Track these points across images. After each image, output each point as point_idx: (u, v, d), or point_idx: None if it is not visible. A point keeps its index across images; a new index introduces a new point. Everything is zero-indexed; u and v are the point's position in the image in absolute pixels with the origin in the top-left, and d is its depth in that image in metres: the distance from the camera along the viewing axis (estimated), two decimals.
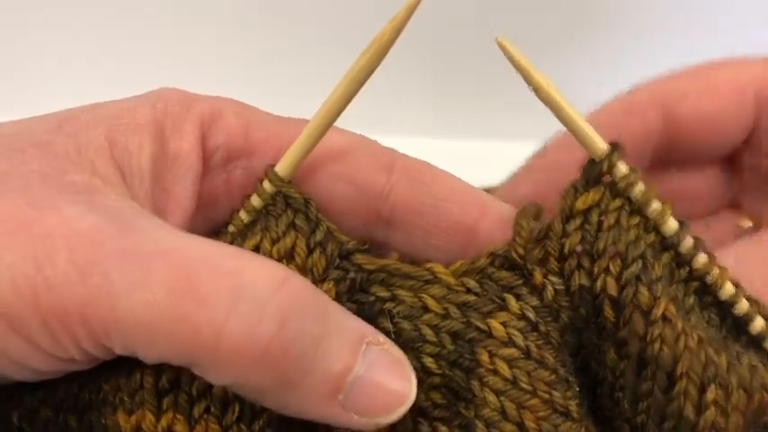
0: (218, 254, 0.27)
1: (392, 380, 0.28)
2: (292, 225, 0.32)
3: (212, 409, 0.29)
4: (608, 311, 0.30)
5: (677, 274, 0.32)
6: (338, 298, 0.31)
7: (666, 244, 0.31)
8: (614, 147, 0.31)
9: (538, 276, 0.31)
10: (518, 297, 0.31)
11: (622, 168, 0.31)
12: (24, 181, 0.28)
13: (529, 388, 0.29)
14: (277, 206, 0.32)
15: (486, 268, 0.31)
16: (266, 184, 0.33)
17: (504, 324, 0.30)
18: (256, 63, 0.80)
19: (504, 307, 0.31)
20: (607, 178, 0.32)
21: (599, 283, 0.30)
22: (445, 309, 0.30)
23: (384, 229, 0.35)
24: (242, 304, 0.25)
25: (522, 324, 0.30)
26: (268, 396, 0.27)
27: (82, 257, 0.26)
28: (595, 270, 0.31)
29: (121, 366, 0.29)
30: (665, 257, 0.31)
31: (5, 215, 0.26)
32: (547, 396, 0.29)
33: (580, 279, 0.31)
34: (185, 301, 0.25)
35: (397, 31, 0.30)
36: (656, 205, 0.31)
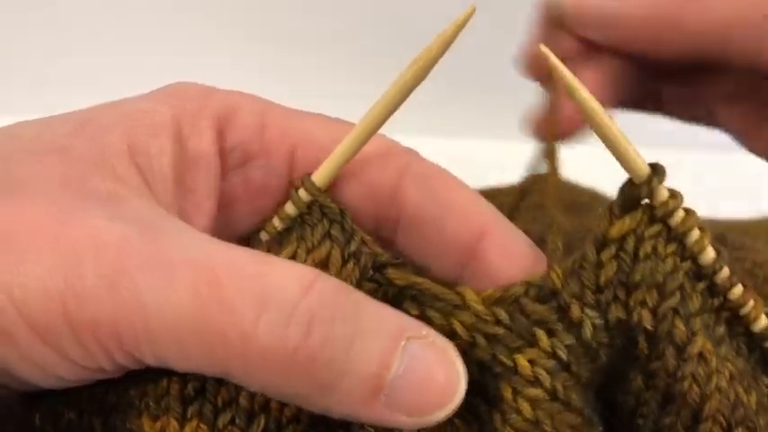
0: (244, 258, 0.27)
1: (438, 373, 0.27)
2: (328, 235, 0.32)
3: (237, 420, 0.29)
4: (642, 344, 0.30)
5: (710, 303, 0.31)
6: None
7: (702, 273, 0.30)
8: (656, 169, 0.30)
9: (575, 311, 0.29)
10: (551, 333, 0.29)
11: (663, 193, 0.30)
12: (48, 188, 0.27)
13: (551, 431, 0.28)
14: (313, 215, 0.32)
15: (520, 298, 0.30)
16: (302, 193, 0.33)
17: (531, 362, 0.29)
18: (271, 56, 0.80)
19: (533, 343, 0.29)
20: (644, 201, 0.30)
21: (635, 316, 0.30)
22: (473, 337, 0.29)
23: (391, 231, 0.34)
24: (269, 310, 0.25)
25: (551, 363, 0.29)
26: (307, 401, 0.27)
27: (110, 269, 0.25)
28: (631, 303, 0.30)
29: (148, 371, 0.29)
30: (700, 286, 0.31)
31: (32, 225, 0.26)
32: None
33: (617, 312, 0.30)
34: (212, 309, 0.25)
35: (445, 47, 0.30)
36: (695, 234, 0.30)
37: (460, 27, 0.30)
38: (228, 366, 0.26)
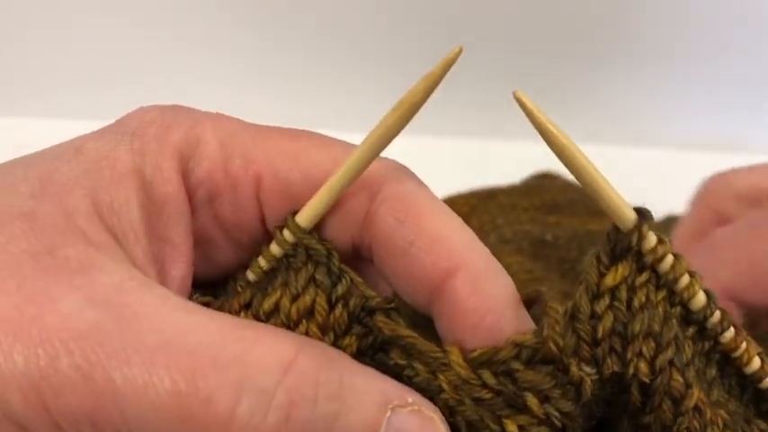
0: (222, 339, 0.26)
1: None
2: (312, 280, 0.31)
3: None
4: (635, 396, 0.29)
5: (701, 346, 0.30)
6: (360, 353, 0.30)
7: (692, 318, 0.30)
8: (643, 215, 0.29)
9: (574, 371, 0.28)
10: (545, 399, 0.28)
11: (652, 240, 0.29)
12: (16, 265, 0.27)
13: None
14: (297, 257, 0.31)
15: (510, 362, 0.28)
16: (286, 233, 0.31)
17: (521, 428, 0.28)
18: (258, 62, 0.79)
19: (523, 409, 0.28)
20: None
21: (631, 368, 0.29)
22: (459, 396, 0.29)
23: (367, 254, 0.33)
24: (246, 398, 0.25)
25: (543, 429, 0.28)
26: None
27: (84, 361, 0.25)
28: (628, 355, 0.29)
29: None
30: (691, 331, 0.30)
31: (4, 314, 0.26)
32: None
33: (613, 365, 0.29)
34: (190, 400, 0.25)
35: (431, 90, 0.29)
36: (685, 280, 0.29)
37: (447, 67, 0.29)
38: None
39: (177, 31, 0.79)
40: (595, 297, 0.29)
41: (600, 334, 0.29)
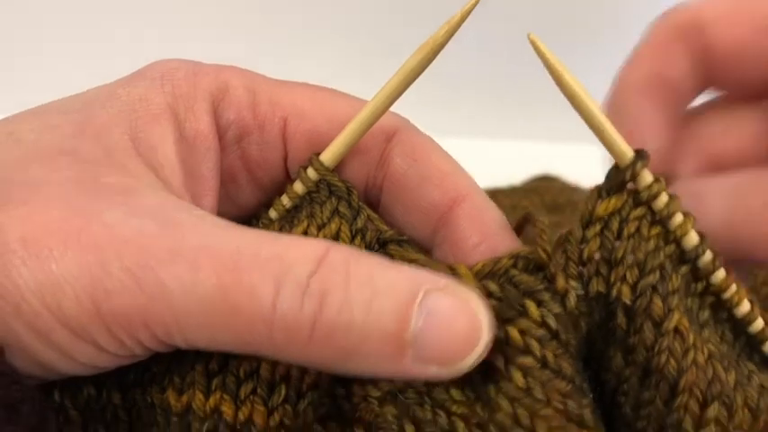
0: (259, 241, 0.27)
1: (458, 321, 0.27)
2: (336, 211, 0.33)
3: (258, 390, 0.30)
4: (621, 318, 0.31)
5: (693, 287, 0.32)
6: None
7: (685, 257, 0.32)
8: (639, 154, 0.31)
9: (560, 281, 0.30)
10: (540, 303, 0.30)
11: (647, 178, 0.31)
12: (63, 189, 0.28)
13: (542, 398, 0.28)
14: (320, 193, 0.34)
15: (509, 270, 0.31)
16: (310, 172, 0.34)
17: (522, 332, 0.29)
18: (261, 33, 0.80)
19: (524, 313, 0.30)
20: (631, 186, 0.31)
21: (614, 291, 0.31)
22: None
23: (377, 195, 0.36)
24: (285, 289, 0.26)
25: (541, 332, 0.29)
26: (336, 367, 0.28)
27: (133, 263, 0.26)
28: (612, 278, 0.31)
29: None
30: (683, 270, 0.32)
31: (53, 227, 0.27)
32: (561, 406, 0.28)
33: (597, 286, 0.31)
34: (235, 295, 0.26)
35: (451, 34, 0.31)
36: (678, 218, 0.31)
37: (467, 13, 0.31)
38: (256, 345, 0.27)
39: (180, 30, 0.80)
40: (588, 224, 0.32)
41: (585, 255, 0.31)
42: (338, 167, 0.34)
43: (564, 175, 0.78)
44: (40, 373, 0.28)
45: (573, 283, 0.31)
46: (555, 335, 0.30)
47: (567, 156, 0.73)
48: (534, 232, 0.32)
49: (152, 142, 0.32)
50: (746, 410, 0.31)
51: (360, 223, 0.33)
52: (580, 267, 0.31)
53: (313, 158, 0.34)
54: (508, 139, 0.77)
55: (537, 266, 0.31)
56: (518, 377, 0.29)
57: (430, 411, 0.30)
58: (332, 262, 0.27)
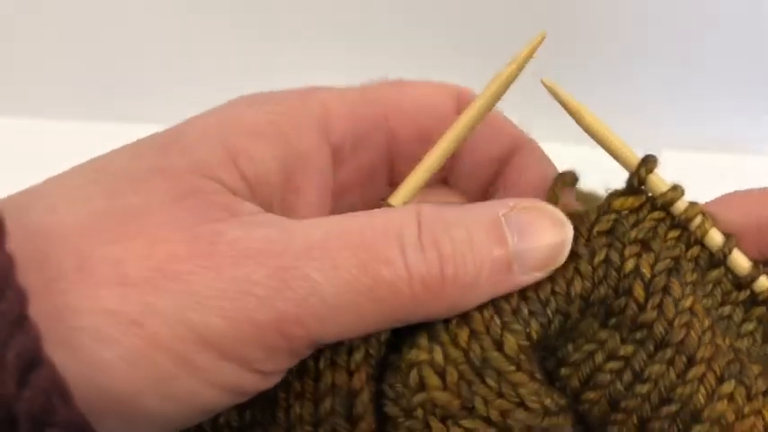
0: (364, 219, 0.29)
1: (545, 226, 0.30)
2: None
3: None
4: (638, 291, 0.31)
5: (735, 295, 0.32)
6: None
7: (714, 261, 0.32)
8: (646, 160, 0.32)
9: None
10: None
11: (662, 185, 0.32)
12: (164, 211, 0.28)
13: None
14: None
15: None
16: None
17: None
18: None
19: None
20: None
21: (630, 263, 0.31)
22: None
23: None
24: (408, 252, 0.28)
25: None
26: (462, 303, 0.30)
27: (276, 268, 0.27)
28: (627, 252, 0.31)
29: (278, 424, 0.31)
30: (715, 273, 0.32)
31: (179, 253, 0.27)
32: (488, 316, 0.30)
33: (609, 253, 0.31)
34: (374, 267, 0.28)
35: (519, 70, 0.32)
36: (698, 220, 0.32)
37: (534, 50, 0.32)
38: (401, 311, 0.29)
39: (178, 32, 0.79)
40: (604, 213, 0.32)
41: (595, 230, 0.32)
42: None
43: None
44: (173, 411, 0.27)
45: (575, 244, 0.31)
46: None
47: (567, 156, 0.74)
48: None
49: (251, 155, 0.31)
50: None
51: None
52: (588, 241, 0.32)
53: (383, 204, 0.34)
54: None
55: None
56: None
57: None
58: (427, 219, 0.29)
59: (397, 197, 0.34)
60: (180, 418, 0.28)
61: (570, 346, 0.31)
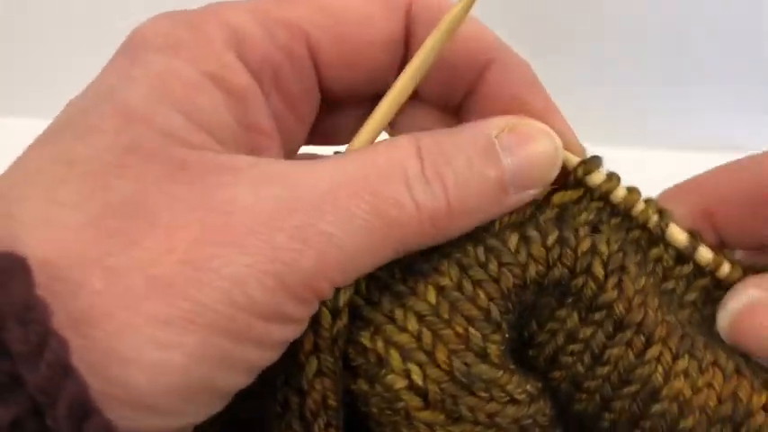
0: (366, 158, 0.30)
1: (536, 150, 0.32)
2: None
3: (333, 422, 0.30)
4: (598, 269, 0.31)
5: (679, 270, 0.33)
6: None
7: (654, 239, 0.33)
8: (589, 159, 0.33)
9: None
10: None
11: (598, 177, 0.33)
12: (164, 193, 0.27)
13: (446, 317, 0.29)
14: None
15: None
16: None
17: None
18: None
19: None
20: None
21: (587, 242, 0.31)
22: None
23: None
24: (414, 187, 0.29)
25: (466, 261, 0.31)
26: (468, 227, 0.31)
27: (294, 230, 0.27)
28: (581, 232, 0.32)
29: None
30: (655, 251, 0.33)
31: (197, 237, 0.26)
32: (462, 331, 0.29)
33: (562, 232, 0.31)
34: (387, 210, 0.29)
35: (470, 5, 0.31)
36: (639, 206, 0.33)
37: None
38: (414, 243, 0.30)
39: None
40: (543, 209, 0.33)
41: (542, 219, 0.32)
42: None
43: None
44: (224, 378, 0.28)
45: (526, 229, 0.32)
46: (483, 265, 0.31)
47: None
48: None
49: (204, 110, 0.30)
50: (717, 369, 0.31)
51: None
52: (538, 225, 0.32)
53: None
54: None
55: None
56: (431, 295, 0.30)
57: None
58: (426, 150, 0.30)
59: (359, 141, 0.33)
60: (241, 385, 0.29)
61: (534, 324, 0.32)
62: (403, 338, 0.29)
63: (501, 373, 0.29)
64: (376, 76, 0.35)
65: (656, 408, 0.30)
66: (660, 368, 0.30)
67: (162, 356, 0.25)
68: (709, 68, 0.76)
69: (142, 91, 0.29)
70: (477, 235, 0.31)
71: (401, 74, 0.33)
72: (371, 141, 0.33)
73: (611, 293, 0.30)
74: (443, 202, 0.30)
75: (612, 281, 0.31)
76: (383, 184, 0.29)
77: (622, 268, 0.31)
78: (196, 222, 0.27)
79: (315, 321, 0.29)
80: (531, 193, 0.32)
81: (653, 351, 0.30)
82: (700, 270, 0.33)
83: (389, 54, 0.34)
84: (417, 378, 0.29)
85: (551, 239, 0.31)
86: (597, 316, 0.31)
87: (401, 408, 0.29)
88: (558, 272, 0.31)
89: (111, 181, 0.27)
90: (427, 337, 0.29)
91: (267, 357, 0.29)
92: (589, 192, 0.33)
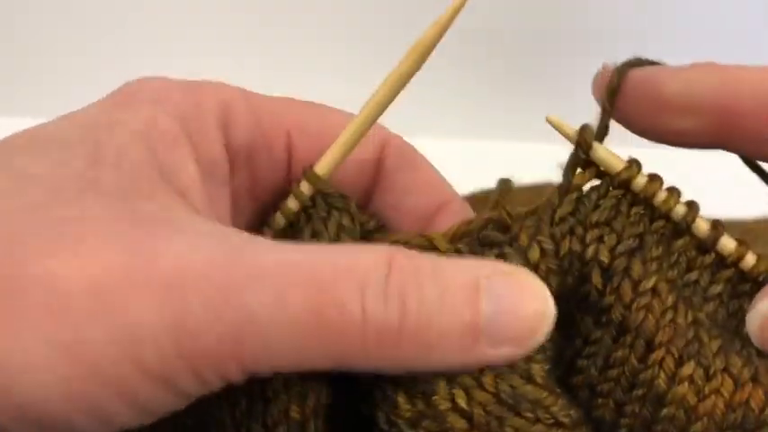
0: (329, 256, 0.27)
1: (524, 303, 0.28)
2: (342, 227, 0.33)
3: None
4: (596, 278, 0.31)
5: (701, 260, 0.32)
6: None
7: (679, 229, 0.32)
8: (583, 129, 0.32)
9: (523, 238, 0.30)
10: (500, 256, 0.30)
11: (617, 162, 0.32)
12: (103, 227, 0.26)
13: None
14: (318, 208, 0.33)
15: (479, 232, 0.31)
16: (304, 186, 0.33)
17: None
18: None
19: None
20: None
21: (591, 250, 0.31)
22: None
23: (367, 200, 0.37)
24: (369, 296, 0.26)
25: None
26: (418, 365, 0.28)
27: (213, 297, 0.25)
28: (588, 237, 0.31)
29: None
30: (680, 242, 0.32)
31: (116, 272, 0.25)
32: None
33: (571, 244, 0.31)
34: (326, 311, 0.26)
35: (441, 34, 0.31)
36: (661, 195, 0.31)
37: (456, 12, 0.30)
38: (348, 357, 0.27)
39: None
40: (566, 193, 0.32)
41: (558, 216, 0.31)
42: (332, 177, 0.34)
43: (561, 176, 0.77)
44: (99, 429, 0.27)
45: (541, 238, 0.31)
46: None
47: (566, 157, 0.73)
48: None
49: (174, 167, 0.30)
50: (727, 376, 0.30)
51: (359, 233, 0.33)
52: (552, 227, 0.31)
53: (307, 171, 0.33)
54: (507, 141, 0.77)
55: (505, 227, 0.31)
56: None
57: None
58: (400, 264, 0.27)
59: (321, 166, 0.33)
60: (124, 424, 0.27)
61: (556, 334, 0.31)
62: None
63: (546, 394, 0.29)
64: (344, 186, 0.34)
65: (664, 412, 0.30)
66: (663, 373, 0.30)
67: (25, 374, 0.24)
68: None
69: (123, 138, 0.29)
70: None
71: (368, 100, 0.32)
72: (335, 166, 0.33)
73: (608, 298, 0.30)
74: (396, 322, 0.26)
75: (611, 286, 0.30)
76: (335, 280, 0.26)
77: (626, 271, 0.30)
78: (119, 259, 0.25)
79: None
80: (506, 351, 0.28)
81: (654, 356, 0.30)
82: (723, 261, 0.32)
83: (361, 176, 0.36)
84: (462, 402, 0.28)
85: (563, 251, 0.31)
86: (603, 319, 0.31)
87: (448, 428, 0.28)
88: (571, 279, 0.31)
89: (57, 205, 0.27)
90: None
91: (144, 419, 0.27)
92: (609, 179, 0.32)
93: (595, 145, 0.32)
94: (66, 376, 0.25)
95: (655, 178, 0.32)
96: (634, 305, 0.30)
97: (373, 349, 0.26)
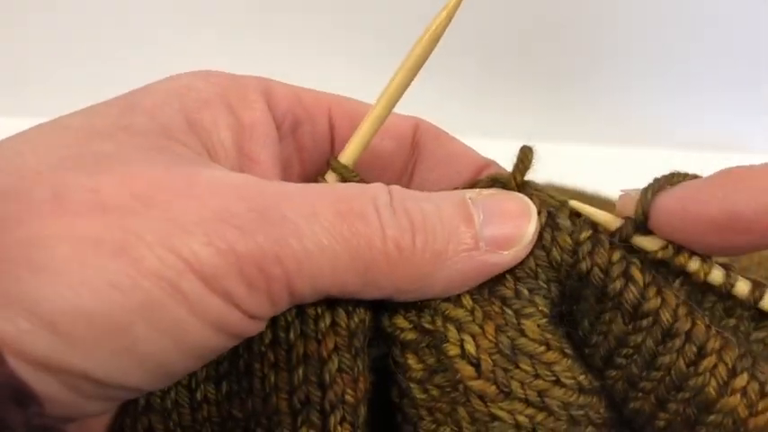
0: (342, 186, 0.30)
1: (510, 205, 0.31)
2: None
3: (347, 417, 0.30)
4: (637, 275, 0.30)
5: (738, 312, 0.32)
6: None
7: (717, 292, 0.32)
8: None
9: (536, 201, 0.32)
10: None
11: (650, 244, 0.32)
12: (140, 154, 0.28)
13: (486, 297, 0.31)
14: None
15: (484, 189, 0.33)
16: (329, 176, 0.34)
17: None
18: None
19: None
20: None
21: (617, 253, 0.31)
22: None
23: (408, 178, 0.40)
24: (382, 212, 0.29)
25: None
26: (434, 280, 0.30)
27: (257, 204, 0.27)
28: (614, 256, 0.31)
29: (255, 394, 0.31)
30: (713, 299, 0.32)
31: (160, 182, 0.26)
32: (498, 310, 0.31)
33: (596, 235, 0.31)
34: (351, 219, 0.28)
35: (450, 18, 0.31)
36: (695, 265, 0.31)
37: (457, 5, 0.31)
38: (372, 270, 0.29)
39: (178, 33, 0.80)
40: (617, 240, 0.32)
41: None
42: (374, 158, 0.37)
43: (562, 175, 0.78)
44: (162, 346, 0.26)
45: (555, 211, 0.32)
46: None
47: (566, 156, 0.73)
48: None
49: (205, 125, 0.32)
50: None
51: None
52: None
53: (332, 161, 0.34)
54: (508, 140, 0.76)
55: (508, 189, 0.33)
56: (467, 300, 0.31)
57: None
58: (398, 190, 0.30)
59: (345, 155, 0.34)
60: (169, 358, 0.27)
61: (586, 323, 0.32)
62: (458, 313, 0.30)
63: (543, 348, 0.30)
64: (384, 162, 0.38)
65: (711, 418, 0.29)
66: (714, 381, 0.29)
67: (79, 275, 0.24)
68: (710, 68, 0.76)
69: (157, 96, 0.32)
70: None
71: (383, 90, 0.33)
72: (358, 154, 0.34)
73: (654, 301, 0.30)
74: (409, 234, 0.29)
75: (653, 289, 0.30)
76: (352, 197, 0.29)
77: (661, 281, 0.30)
78: (159, 176, 0.27)
79: (333, 322, 0.30)
80: (506, 254, 0.31)
81: (706, 362, 0.29)
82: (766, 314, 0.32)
83: (402, 157, 0.39)
84: (470, 347, 0.30)
85: (584, 235, 0.31)
86: (645, 323, 0.30)
87: (458, 380, 0.30)
88: (585, 265, 0.31)
89: (94, 141, 0.28)
90: (478, 312, 0.31)
91: (203, 338, 0.27)
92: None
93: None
94: (118, 273, 0.25)
95: (682, 251, 0.31)
96: (680, 311, 0.30)
97: (395, 260, 0.29)
